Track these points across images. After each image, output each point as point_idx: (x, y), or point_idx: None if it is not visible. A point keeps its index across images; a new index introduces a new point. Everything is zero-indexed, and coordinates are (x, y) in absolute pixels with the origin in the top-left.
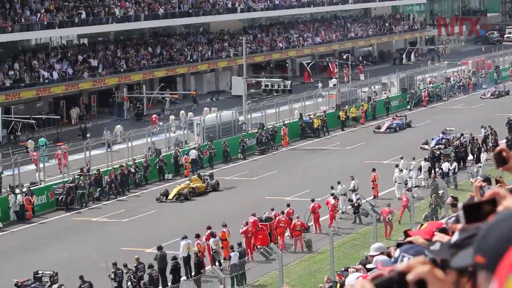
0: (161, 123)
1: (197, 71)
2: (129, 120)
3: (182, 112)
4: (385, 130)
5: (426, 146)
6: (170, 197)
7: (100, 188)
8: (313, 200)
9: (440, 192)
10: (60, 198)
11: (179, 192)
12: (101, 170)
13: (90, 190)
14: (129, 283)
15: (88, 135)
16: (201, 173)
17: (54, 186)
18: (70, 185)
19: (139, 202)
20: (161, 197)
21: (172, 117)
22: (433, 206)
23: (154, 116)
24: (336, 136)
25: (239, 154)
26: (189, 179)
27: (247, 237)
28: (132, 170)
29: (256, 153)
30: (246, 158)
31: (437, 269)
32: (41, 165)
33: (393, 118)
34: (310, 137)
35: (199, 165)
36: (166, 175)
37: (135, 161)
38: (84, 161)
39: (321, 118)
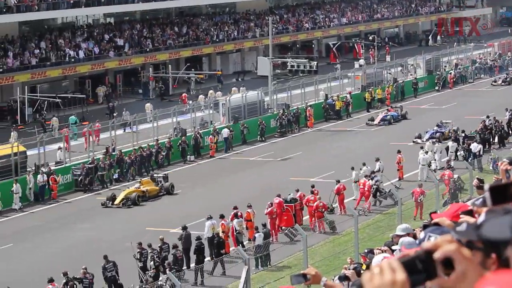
0: (190, 102)
1: (223, 51)
2: (154, 100)
3: (210, 91)
4: (379, 123)
5: (418, 140)
6: (116, 202)
7: (119, 169)
8: (338, 182)
9: (456, 176)
10: (79, 179)
11: (127, 197)
12: (122, 151)
13: (111, 171)
14: (151, 263)
15: (115, 114)
16: (154, 174)
17: (73, 167)
18: (89, 166)
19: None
20: (107, 201)
21: (201, 96)
22: (452, 191)
23: (184, 95)
24: (361, 118)
25: (258, 137)
26: (140, 181)
27: (271, 218)
28: (154, 151)
29: (276, 135)
30: (265, 141)
31: (464, 248)
32: (65, 144)
33: (387, 110)
34: (333, 119)
35: (230, 145)
36: (188, 156)
37: (157, 142)
38: (110, 141)
39: (344, 100)
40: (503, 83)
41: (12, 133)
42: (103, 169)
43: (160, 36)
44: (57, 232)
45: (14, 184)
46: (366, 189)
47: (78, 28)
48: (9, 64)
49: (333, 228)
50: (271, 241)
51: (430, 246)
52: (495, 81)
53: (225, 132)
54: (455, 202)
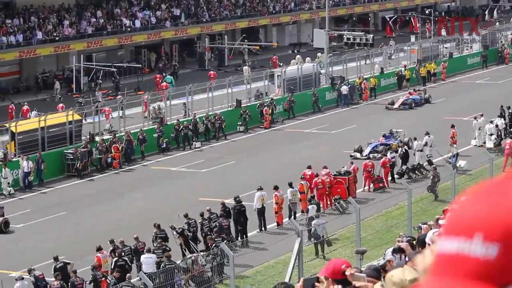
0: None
1: (279, 23)
2: (210, 70)
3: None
4: (399, 107)
5: (357, 155)
6: None
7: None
8: (384, 155)
9: None
10: (73, 164)
11: None
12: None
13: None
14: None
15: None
16: None
17: (65, 151)
18: (83, 150)
19: (218, 153)
20: None
21: (246, 67)
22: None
23: (212, 72)
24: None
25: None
26: None
27: (318, 189)
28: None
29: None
30: (323, 112)
31: None
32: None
33: (409, 93)
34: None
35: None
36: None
37: (195, 116)
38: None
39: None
40: None
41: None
42: (100, 152)
43: (216, 6)
44: (110, 202)
45: (3, 169)
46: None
47: None
48: (65, 32)
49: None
50: (322, 214)
51: None
52: None
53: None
54: None
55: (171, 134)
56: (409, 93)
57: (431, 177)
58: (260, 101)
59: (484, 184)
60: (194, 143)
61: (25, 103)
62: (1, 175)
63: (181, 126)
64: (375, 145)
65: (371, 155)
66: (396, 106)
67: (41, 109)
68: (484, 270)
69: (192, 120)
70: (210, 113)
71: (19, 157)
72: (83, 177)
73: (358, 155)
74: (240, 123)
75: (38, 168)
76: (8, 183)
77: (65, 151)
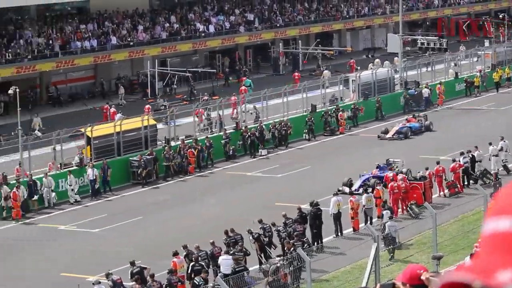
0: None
1: (353, 28)
2: (284, 76)
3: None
4: (392, 136)
5: (346, 189)
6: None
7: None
8: (453, 160)
9: None
10: (138, 172)
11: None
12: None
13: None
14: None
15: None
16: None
17: (130, 158)
18: (148, 157)
19: (292, 158)
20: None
21: (326, 72)
22: None
23: (296, 74)
24: (490, 96)
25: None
26: None
27: (393, 193)
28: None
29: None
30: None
31: None
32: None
33: (406, 120)
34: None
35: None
36: (260, 151)
37: (261, 123)
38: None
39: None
40: None
41: (34, 119)
42: (166, 160)
43: (290, 11)
44: (187, 206)
45: (68, 176)
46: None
47: (208, 2)
48: (139, 37)
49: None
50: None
51: None
52: None
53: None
54: None
55: (238, 141)
56: (407, 120)
57: (493, 184)
58: (324, 110)
59: None
60: (260, 150)
61: (112, 105)
62: (67, 183)
63: (248, 133)
64: (366, 178)
65: (360, 190)
66: (389, 135)
67: (125, 112)
68: None
69: (258, 127)
70: (276, 120)
71: (95, 161)
72: (148, 185)
73: (346, 189)
74: (306, 130)
75: (104, 175)
76: (73, 189)
77: (130, 158)
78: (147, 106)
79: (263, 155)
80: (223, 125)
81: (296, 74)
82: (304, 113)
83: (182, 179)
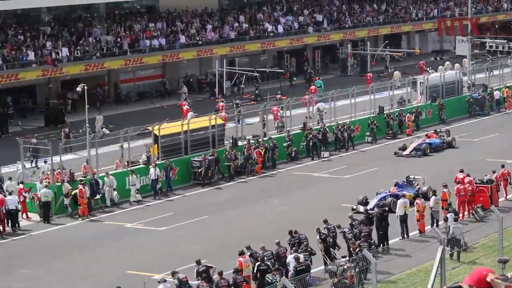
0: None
1: (421, 30)
2: (352, 77)
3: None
4: (410, 153)
5: (360, 208)
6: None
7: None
8: (503, 166)
9: None
10: (199, 171)
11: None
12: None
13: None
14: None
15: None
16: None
17: (191, 159)
18: (210, 157)
19: (358, 160)
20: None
21: (397, 73)
22: None
23: (369, 74)
24: None
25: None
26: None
27: (460, 196)
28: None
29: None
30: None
31: None
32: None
33: (426, 136)
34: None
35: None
36: (322, 153)
37: (324, 125)
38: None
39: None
40: None
41: (97, 117)
42: (227, 160)
43: (359, 12)
44: (247, 207)
45: (130, 176)
46: None
47: (277, 2)
48: (208, 37)
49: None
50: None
51: None
52: None
53: None
54: None
55: (301, 142)
56: (427, 135)
57: None
58: (386, 112)
59: None
60: (322, 152)
61: (188, 103)
62: (129, 182)
63: (311, 135)
64: (383, 197)
65: (375, 209)
66: (406, 152)
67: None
68: None
69: (321, 130)
70: (339, 122)
71: (161, 160)
72: (208, 185)
73: (361, 208)
74: (368, 133)
75: (167, 175)
76: (137, 189)
77: (192, 158)
78: (221, 104)
79: (325, 157)
80: (285, 127)
81: (369, 74)
82: (370, 115)
83: (243, 180)
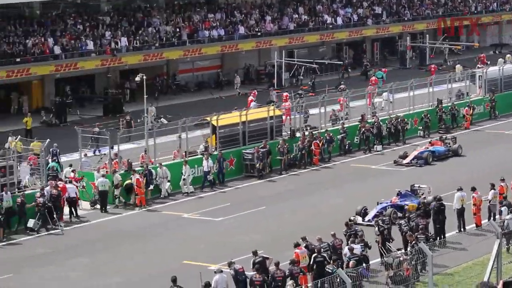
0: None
1: (481, 23)
2: (411, 69)
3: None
4: (410, 162)
5: (358, 219)
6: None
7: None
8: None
9: None
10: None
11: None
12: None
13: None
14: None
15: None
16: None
17: (243, 151)
18: (263, 150)
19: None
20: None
21: (458, 66)
22: None
23: (433, 66)
24: None
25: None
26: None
27: None
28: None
29: None
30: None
31: None
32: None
33: (430, 143)
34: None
35: None
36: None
37: (378, 119)
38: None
39: None
40: None
41: (149, 108)
42: (280, 154)
43: (418, 5)
44: (308, 198)
45: (184, 167)
46: None
47: None
48: (267, 28)
49: None
50: None
51: None
52: None
53: None
54: None
55: (355, 136)
56: (430, 143)
57: None
58: (438, 107)
59: None
60: (375, 146)
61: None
62: (182, 173)
63: (363, 128)
64: (383, 207)
65: (373, 221)
66: (406, 161)
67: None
68: None
69: (375, 123)
70: (392, 116)
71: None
72: (261, 178)
73: (359, 219)
74: (421, 127)
75: (220, 167)
76: (185, 180)
77: (244, 151)
78: (285, 94)
79: (378, 151)
80: (339, 119)
81: (433, 66)
82: (430, 108)
83: (295, 172)
